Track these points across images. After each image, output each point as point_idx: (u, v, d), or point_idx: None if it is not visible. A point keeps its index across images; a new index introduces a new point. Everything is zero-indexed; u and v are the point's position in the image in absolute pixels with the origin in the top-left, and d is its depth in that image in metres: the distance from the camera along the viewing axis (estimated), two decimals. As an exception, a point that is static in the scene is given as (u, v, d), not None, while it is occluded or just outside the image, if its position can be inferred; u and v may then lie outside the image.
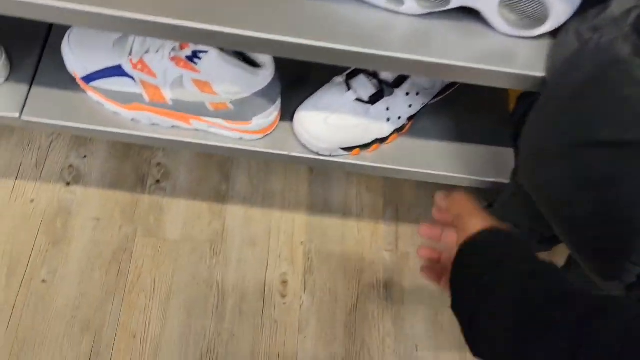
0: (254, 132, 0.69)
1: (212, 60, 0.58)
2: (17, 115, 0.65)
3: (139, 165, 1.12)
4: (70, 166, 1.09)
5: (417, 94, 0.69)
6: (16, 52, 0.69)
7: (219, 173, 1.16)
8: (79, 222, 1.06)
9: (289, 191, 1.16)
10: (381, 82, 0.67)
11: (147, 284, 1.02)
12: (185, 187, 1.12)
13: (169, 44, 0.61)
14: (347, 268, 1.11)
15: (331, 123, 0.67)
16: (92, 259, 1.03)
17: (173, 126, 0.70)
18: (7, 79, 0.68)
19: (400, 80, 0.67)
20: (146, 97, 0.65)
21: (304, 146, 0.70)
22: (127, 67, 0.64)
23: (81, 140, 1.12)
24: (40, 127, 0.67)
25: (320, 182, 1.18)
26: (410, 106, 0.69)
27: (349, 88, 0.68)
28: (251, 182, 1.16)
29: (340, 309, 1.06)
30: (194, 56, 0.59)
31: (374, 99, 0.67)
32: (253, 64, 0.62)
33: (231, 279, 1.05)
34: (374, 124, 0.68)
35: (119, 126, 0.68)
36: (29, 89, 0.68)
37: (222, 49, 0.58)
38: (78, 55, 0.65)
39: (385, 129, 0.69)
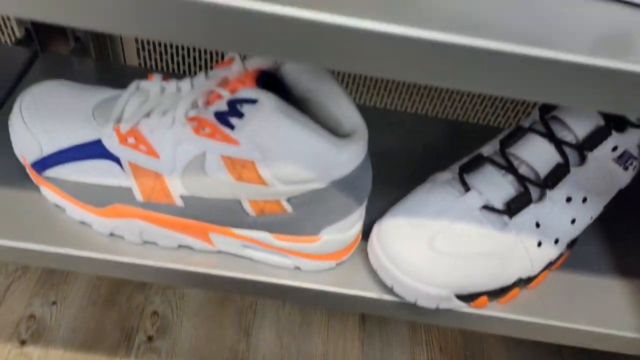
0: (322, 256, 0.40)
1: (265, 117, 0.32)
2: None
3: (126, 314, 0.82)
4: (32, 316, 0.79)
5: (585, 200, 0.41)
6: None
7: (235, 325, 0.84)
8: (28, 403, 0.72)
9: (333, 353, 0.83)
10: (522, 180, 0.40)
11: None
12: (189, 346, 0.80)
13: (188, 99, 0.35)
14: None
15: (441, 249, 0.38)
16: None
17: (180, 245, 0.41)
18: None
19: (556, 176, 0.40)
20: (139, 194, 0.37)
21: (390, 289, 0.40)
22: (111, 142, 0.37)
23: (52, 280, 0.83)
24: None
25: (377, 340, 0.86)
26: (573, 221, 0.41)
27: (466, 188, 0.41)
28: (280, 340, 0.83)
29: None
30: (231, 111, 0.32)
31: (514, 207, 0.39)
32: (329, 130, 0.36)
33: None
34: (516, 250, 0.39)
35: (85, 246, 0.39)
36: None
37: (285, 92, 0.31)
38: (32, 128, 0.39)
39: (535, 260, 0.40)
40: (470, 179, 0.41)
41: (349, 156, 0.34)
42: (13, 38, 0.55)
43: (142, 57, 0.56)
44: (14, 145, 0.41)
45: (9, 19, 0.53)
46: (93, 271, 0.41)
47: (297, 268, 0.41)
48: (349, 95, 0.36)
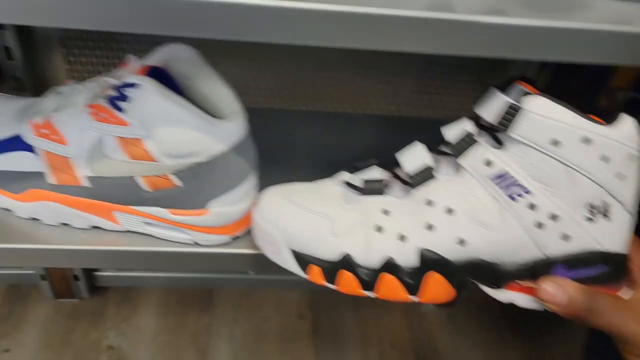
0: (214, 229, 0.45)
1: (148, 98, 0.38)
2: None
3: (83, 352, 0.84)
4: None
5: (450, 211, 0.40)
6: None
7: (192, 348, 0.87)
8: None
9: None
10: (393, 173, 0.43)
11: None
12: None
13: (89, 92, 0.42)
14: None
15: (290, 197, 0.43)
16: None
17: (91, 226, 0.46)
18: None
19: (421, 176, 0.41)
20: (52, 177, 0.43)
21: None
22: (28, 134, 0.44)
23: (5, 329, 0.85)
24: None
25: (330, 344, 0.89)
26: (429, 227, 0.40)
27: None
28: (237, 357, 0.87)
29: None
30: (119, 95, 0.39)
31: (368, 187, 0.42)
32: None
33: None
34: (355, 227, 0.41)
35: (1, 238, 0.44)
36: None
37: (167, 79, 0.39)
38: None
39: (372, 246, 0.40)
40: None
41: (225, 134, 0.41)
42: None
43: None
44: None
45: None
46: (13, 263, 0.46)
47: (196, 243, 0.46)
48: (227, 85, 0.43)
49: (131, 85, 0.39)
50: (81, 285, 0.87)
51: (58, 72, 0.64)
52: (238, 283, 0.96)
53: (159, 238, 0.46)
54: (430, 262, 0.39)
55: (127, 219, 0.45)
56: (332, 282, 0.41)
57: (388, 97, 0.73)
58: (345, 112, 0.73)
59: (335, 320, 0.94)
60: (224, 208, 0.44)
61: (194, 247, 0.46)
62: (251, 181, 0.45)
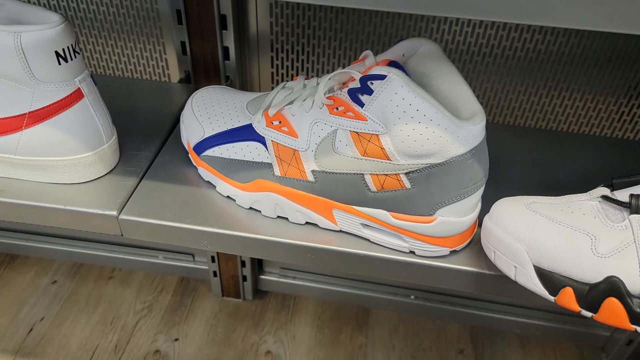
0: (436, 240, 0.42)
1: (392, 90, 0.36)
2: (114, 213, 0.46)
3: (242, 353, 0.86)
4: (157, 352, 0.86)
5: None
6: (133, 142, 0.53)
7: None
8: None
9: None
10: None
11: None
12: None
13: (326, 85, 0.41)
14: None
15: (535, 209, 0.38)
16: None
17: (307, 222, 0.45)
18: (112, 170, 0.50)
19: None
20: (277, 169, 0.43)
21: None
22: (259, 125, 0.44)
23: (174, 319, 0.90)
24: (136, 230, 0.47)
25: (489, 356, 0.82)
26: None
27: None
28: None
29: None
30: (362, 88, 0.38)
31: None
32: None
33: None
34: (626, 249, 0.35)
35: (223, 224, 0.45)
36: (137, 184, 0.49)
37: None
38: (198, 117, 0.48)
39: None
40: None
41: (467, 136, 0.38)
42: (168, 79, 0.68)
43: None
44: (182, 135, 0.50)
45: (167, 67, 0.67)
46: (221, 247, 0.46)
47: (412, 252, 0.43)
48: (467, 84, 0.40)
49: (378, 77, 0.37)
50: (247, 286, 0.89)
51: (263, 75, 0.66)
52: (396, 305, 0.92)
53: (373, 243, 0.44)
54: None
55: (345, 218, 0.43)
56: (589, 309, 0.35)
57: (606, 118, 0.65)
58: (552, 129, 0.67)
59: (499, 359, 0.86)
60: (453, 217, 0.41)
61: (409, 256, 0.43)
62: (482, 190, 0.41)
